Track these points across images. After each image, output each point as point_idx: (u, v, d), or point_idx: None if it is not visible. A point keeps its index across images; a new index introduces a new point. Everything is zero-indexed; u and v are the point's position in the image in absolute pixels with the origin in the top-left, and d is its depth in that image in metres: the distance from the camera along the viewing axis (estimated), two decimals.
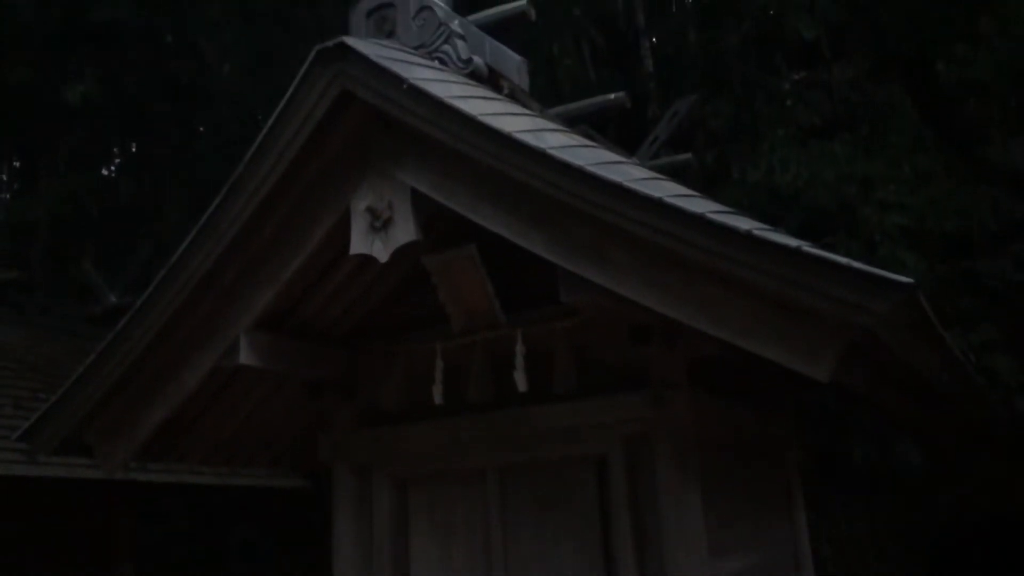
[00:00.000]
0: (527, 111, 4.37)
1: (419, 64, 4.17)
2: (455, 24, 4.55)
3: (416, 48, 4.43)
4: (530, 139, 3.64)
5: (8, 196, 16.22)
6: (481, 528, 4.51)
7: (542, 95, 6.77)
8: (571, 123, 5.82)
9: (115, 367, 4.25)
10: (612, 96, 5.89)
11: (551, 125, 4.17)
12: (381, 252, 3.98)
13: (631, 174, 3.63)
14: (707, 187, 7.73)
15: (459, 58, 4.48)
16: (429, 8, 4.56)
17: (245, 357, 4.20)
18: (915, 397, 4.46)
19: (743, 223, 3.31)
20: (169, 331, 4.22)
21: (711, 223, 3.29)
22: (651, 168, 6.28)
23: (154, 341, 4.22)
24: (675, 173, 6.48)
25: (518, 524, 4.45)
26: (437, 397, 4.47)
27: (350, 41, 3.97)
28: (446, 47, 4.49)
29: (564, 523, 4.35)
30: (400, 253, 4.00)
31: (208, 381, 4.34)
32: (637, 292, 3.55)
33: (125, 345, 4.22)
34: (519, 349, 4.28)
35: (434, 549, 4.63)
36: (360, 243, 4.02)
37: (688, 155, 6.73)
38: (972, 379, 4.57)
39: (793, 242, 3.20)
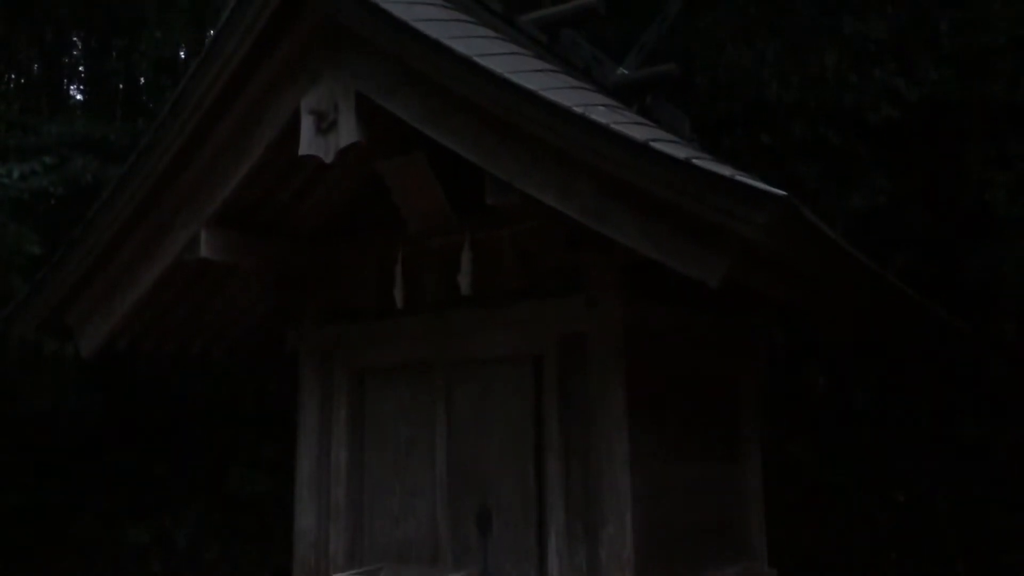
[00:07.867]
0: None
1: None
2: None
3: None
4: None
5: None
6: (428, 415, 4.84)
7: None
8: (553, 28, 5.84)
9: (86, 255, 4.60)
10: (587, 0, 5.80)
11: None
12: (327, 153, 4.18)
13: (550, 83, 3.74)
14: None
15: None
16: None
17: (205, 251, 4.49)
18: (813, 291, 4.53)
19: (643, 134, 3.43)
20: (133, 225, 4.53)
21: (614, 133, 3.41)
22: (632, 78, 6.33)
23: (120, 233, 4.54)
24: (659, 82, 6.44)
25: (462, 414, 4.76)
26: (399, 301, 4.75)
27: None
28: None
29: (503, 416, 4.63)
30: (347, 155, 4.20)
31: (175, 273, 4.65)
32: (553, 198, 3.71)
33: (94, 235, 4.56)
34: (466, 255, 4.52)
35: (388, 432, 5.00)
36: (308, 145, 4.22)
37: (671, 65, 6.57)
38: (867, 271, 4.44)
39: (683, 153, 3.32)
